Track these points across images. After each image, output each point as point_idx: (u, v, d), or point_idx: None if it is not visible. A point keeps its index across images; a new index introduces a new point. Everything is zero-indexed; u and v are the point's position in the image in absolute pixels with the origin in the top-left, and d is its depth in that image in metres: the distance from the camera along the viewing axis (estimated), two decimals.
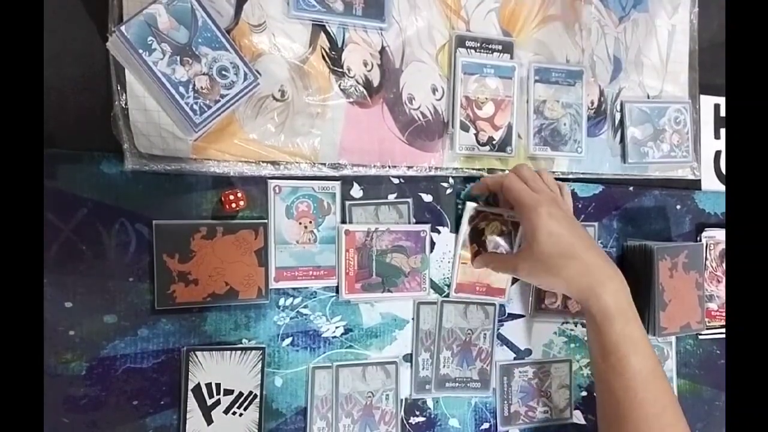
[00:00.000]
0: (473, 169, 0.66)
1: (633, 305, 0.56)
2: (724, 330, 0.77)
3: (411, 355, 0.64)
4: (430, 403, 0.65)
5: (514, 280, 0.68)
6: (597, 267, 0.55)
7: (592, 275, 0.55)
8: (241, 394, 0.57)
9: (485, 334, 0.67)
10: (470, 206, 0.64)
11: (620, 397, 0.54)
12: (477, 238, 0.65)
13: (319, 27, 0.59)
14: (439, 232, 0.65)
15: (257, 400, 0.57)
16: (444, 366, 0.65)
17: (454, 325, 0.66)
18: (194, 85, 0.51)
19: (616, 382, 0.54)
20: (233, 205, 0.56)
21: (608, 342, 0.54)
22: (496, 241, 0.66)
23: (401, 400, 0.64)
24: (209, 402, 0.56)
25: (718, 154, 0.79)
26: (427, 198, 0.65)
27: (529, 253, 0.56)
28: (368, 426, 0.62)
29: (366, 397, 0.62)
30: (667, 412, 0.54)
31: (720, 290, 0.78)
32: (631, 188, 0.74)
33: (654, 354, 0.55)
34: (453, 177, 0.65)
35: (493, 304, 0.67)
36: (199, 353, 0.56)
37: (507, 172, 0.61)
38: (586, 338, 0.71)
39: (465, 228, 0.65)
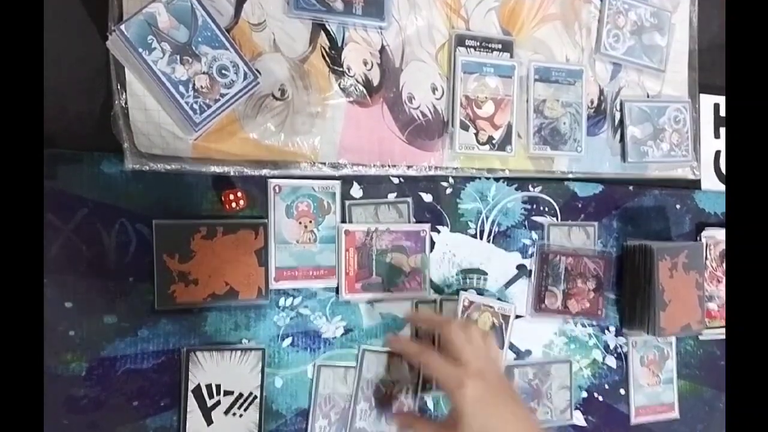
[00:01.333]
0: (473, 168, 0.65)
1: None
2: (724, 330, 0.77)
3: None
4: (430, 404, 0.65)
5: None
6: None
7: None
8: (241, 394, 0.57)
9: None
10: (463, 296, 0.64)
11: None
12: None
13: (319, 26, 0.59)
14: (438, 231, 0.65)
15: (257, 400, 0.57)
16: None
17: None
18: (194, 84, 0.51)
19: None
20: (233, 204, 0.56)
21: None
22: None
23: None
24: (209, 403, 0.56)
25: (717, 153, 0.79)
26: (427, 197, 0.65)
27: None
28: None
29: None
30: None
31: (720, 290, 0.77)
32: (630, 188, 0.74)
33: None
34: (453, 176, 0.65)
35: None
36: (199, 354, 0.55)
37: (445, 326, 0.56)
38: (587, 339, 0.71)
39: (458, 318, 0.64)
